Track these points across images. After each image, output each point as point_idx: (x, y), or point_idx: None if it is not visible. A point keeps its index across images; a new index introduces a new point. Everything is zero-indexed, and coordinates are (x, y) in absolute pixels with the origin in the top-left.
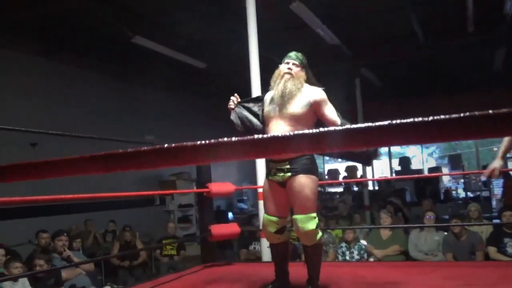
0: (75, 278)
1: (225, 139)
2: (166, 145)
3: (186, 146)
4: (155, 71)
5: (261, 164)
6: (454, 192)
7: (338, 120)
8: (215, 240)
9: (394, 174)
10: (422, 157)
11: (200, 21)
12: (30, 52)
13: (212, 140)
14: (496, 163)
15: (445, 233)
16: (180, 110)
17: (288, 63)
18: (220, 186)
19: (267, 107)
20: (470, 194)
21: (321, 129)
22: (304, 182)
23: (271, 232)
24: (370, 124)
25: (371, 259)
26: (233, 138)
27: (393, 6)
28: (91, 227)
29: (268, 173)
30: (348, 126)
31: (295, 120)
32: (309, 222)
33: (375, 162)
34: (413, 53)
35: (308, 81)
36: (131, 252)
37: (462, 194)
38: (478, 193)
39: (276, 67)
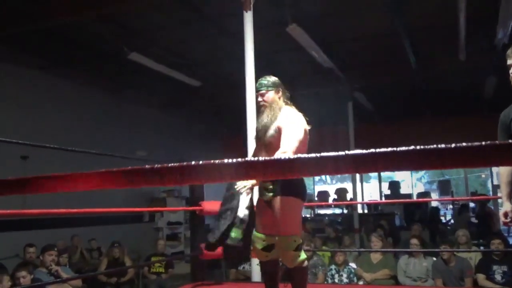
0: None
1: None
2: (193, 163)
3: (213, 164)
4: (150, 87)
5: None
6: (443, 217)
7: (288, 150)
8: (206, 259)
9: (383, 198)
10: (411, 182)
11: (198, 40)
12: (25, 66)
13: (240, 159)
14: (507, 207)
15: (434, 259)
16: (173, 127)
17: (257, 96)
18: (213, 204)
19: (255, 135)
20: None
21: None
22: (282, 204)
23: (259, 249)
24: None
25: (360, 283)
26: (262, 159)
27: (387, 32)
28: (78, 243)
29: (259, 192)
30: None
31: (272, 146)
32: (289, 244)
33: (365, 185)
34: (405, 78)
35: (283, 98)
36: (119, 269)
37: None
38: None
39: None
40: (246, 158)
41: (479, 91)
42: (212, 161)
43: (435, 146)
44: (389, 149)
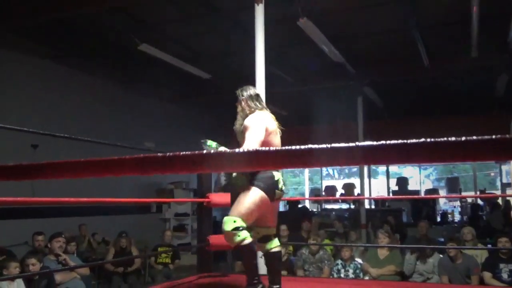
0: (70, 282)
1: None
2: (205, 151)
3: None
4: (159, 79)
5: None
6: (450, 215)
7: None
8: (212, 251)
9: (391, 194)
10: (419, 178)
11: (208, 33)
12: (37, 56)
13: (250, 149)
14: None
15: (441, 256)
16: (181, 119)
17: None
18: (221, 196)
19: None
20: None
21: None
22: (245, 189)
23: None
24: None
25: (366, 278)
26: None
27: (398, 28)
28: (85, 232)
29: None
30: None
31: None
32: (227, 223)
33: (373, 181)
34: (416, 75)
35: (252, 106)
36: (126, 259)
37: (458, 217)
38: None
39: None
40: (256, 148)
41: (491, 90)
42: (223, 150)
43: (445, 139)
44: (400, 141)
